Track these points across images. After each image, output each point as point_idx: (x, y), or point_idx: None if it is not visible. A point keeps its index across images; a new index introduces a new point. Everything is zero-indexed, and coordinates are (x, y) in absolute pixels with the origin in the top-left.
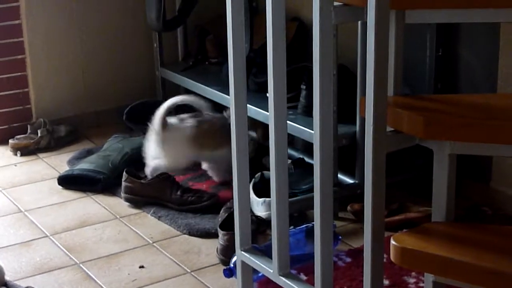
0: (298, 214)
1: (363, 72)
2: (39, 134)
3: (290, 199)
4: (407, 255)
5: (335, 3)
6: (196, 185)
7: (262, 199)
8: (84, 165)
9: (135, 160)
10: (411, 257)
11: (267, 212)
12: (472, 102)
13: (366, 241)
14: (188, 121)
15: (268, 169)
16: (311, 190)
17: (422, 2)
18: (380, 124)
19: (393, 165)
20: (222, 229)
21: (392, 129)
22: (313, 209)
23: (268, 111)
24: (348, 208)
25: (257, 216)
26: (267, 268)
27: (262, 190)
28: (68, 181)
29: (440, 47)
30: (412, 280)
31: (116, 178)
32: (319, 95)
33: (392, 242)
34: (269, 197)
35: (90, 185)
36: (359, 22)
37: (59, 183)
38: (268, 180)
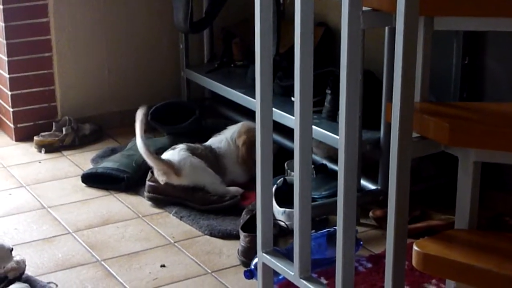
0: (320, 219)
1: (389, 77)
2: (64, 132)
3: (312, 203)
4: (429, 261)
5: (364, 8)
6: None
7: (282, 209)
8: (108, 164)
9: None
10: (433, 263)
11: (288, 223)
12: (498, 111)
13: (388, 246)
14: (181, 153)
15: (289, 173)
16: (331, 196)
17: (451, 9)
18: (406, 130)
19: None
20: (243, 230)
21: (418, 135)
22: (335, 214)
23: (292, 115)
24: (370, 214)
25: (279, 222)
26: (288, 271)
27: (286, 194)
28: (91, 179)
29: (466, 55)
30: None
31: (139, 178)
32: (345, 100)
33: (415, 248)
34: (291, 203)
35: (114, 183)
36: (387, 27)
37: (83, 181)
38: (290, 185)
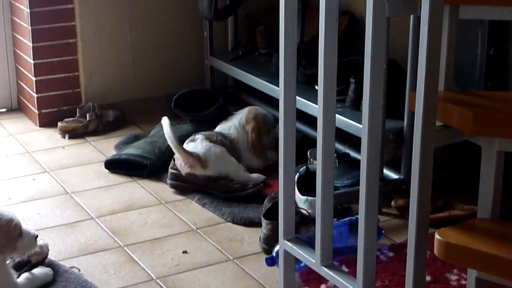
0: (342, 207)
1: (413, 66)
2: (87, 118)
3: (334, 192)
4: (451, 250)
5: None
6: None
7: (304, 197)
8: (131, 150)
9: None
10: (455, 252)
11: (310, 211)
12: None
13: (410, 236)
14: (203, 143)
15: (312, 162)
16: (353, 185)
17: None
18: (430, 119)
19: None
20: (266, 218)
21: (441, 124)
22: (357, 202)
23: (316, 103)
24: (392, 203)
25: (301, 210)
26: (310, 258)
27: (309, 182)
28: (114, 165)
29: (491, 46)
30: (454, 277)
31: (162, 165)
32: (369, 89)
33: (437, 236)
34: (314, 191)
35: (136, 170)
36: (411, 16)
37: (106, 167)
38: (313, 173)
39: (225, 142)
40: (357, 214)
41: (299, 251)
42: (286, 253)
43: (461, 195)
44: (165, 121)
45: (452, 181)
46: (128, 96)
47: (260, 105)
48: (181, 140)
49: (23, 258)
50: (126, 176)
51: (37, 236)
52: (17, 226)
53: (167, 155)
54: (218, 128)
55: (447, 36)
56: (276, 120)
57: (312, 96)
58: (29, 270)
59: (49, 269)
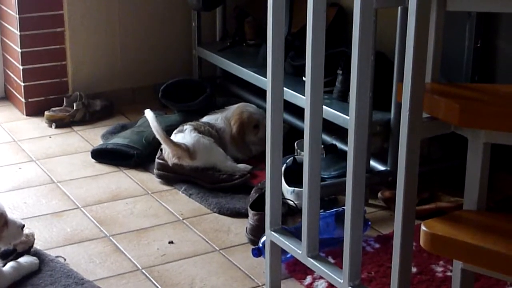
0: (329, 198)
1: (401, 58)
2: (74, 107)
3: (321, 183)
4: (437, 242)
5: None
6: None
7: (291, 188)
8: (118, 140)
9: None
10: (441, 243)
11: (297, 202)
12: (509, 92)
13: (397, 227)
14: (192, 134)
15: (299, 153)
16: (340, 176)
17: None
18: (417, 110)
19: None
20: (252, 209)
21: (428, 115)
22: (343, 194)
23: (303, 95)
24: (379, 195)
25: (288, 201)
26: (296, 249)
27: (296, 173)
28: (101, 155)
29: (479, 38)
30: (439, 269)
31: (149, 155)
32: (356, 81)
33: (423, 228)
34: (300, 182)
35: (123, 159)
36: (399, 8)
37: (93, 157)
38: (300, 164)
39: (212, 132)
40: (344, 205)
41: (286, 242)
42: (272, 244)
43: (447, 187)
44: (148, 114)
45: (439, 173)
46: (115, 86)
47: (247, 96)
48: (168, 130)
49: (9, 247)
50: (112, 166)
51: (23, 226)
52: (2, 216)
53: (154, 145)
54: (206, 118)
55: (434, 27)
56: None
57: (300, 87)
58: (15, 259)
59: (35, 258)
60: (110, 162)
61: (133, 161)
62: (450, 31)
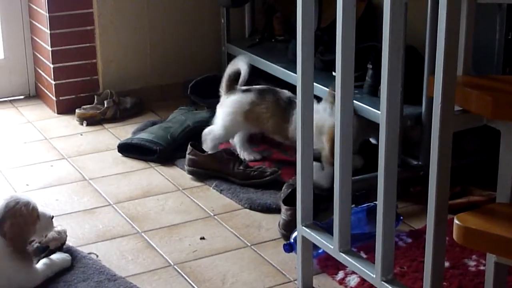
0: (360, 193)
1: (431, 51)
2: (105, 105)
3: (352, 178)
4: (470, 235)
5: None
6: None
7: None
8: (144, 135)
9: (197, 133)
10: (474, 237)
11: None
12: None
13: (429, 222)
14: (249, 95)
15: None
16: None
17: None
18: (448, 103)
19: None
20: (285, 204)
21: (460, 108)
22: (375, 189)
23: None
24: (411, 189)
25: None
26: (328, 244)
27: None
28: (126, 149)
29: (510, 30)
30: (472, 263)
31: (173, 151)
32: (387, 75)
33: (456, 221)
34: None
35: (147, 154)
36: (429, 1)
37: (119, 150)
38: None
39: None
40: (376, 200)
41: (317, 237)
42: (304, 239)
43: (479, 181)
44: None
45: (471, 168)
46: (145, 83)
47: None
48: (197, 127)
49: (42, 242)
50: (143, 162)
51: (52, 216)
52: (35, 209)
53: (179, 141)
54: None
55: (465, 20)
56: None
57: (329, 82)
58: (47, 256)
59: (67, 255)
60: (135, 156)
61: (156, 157)
62: (481, 24)
